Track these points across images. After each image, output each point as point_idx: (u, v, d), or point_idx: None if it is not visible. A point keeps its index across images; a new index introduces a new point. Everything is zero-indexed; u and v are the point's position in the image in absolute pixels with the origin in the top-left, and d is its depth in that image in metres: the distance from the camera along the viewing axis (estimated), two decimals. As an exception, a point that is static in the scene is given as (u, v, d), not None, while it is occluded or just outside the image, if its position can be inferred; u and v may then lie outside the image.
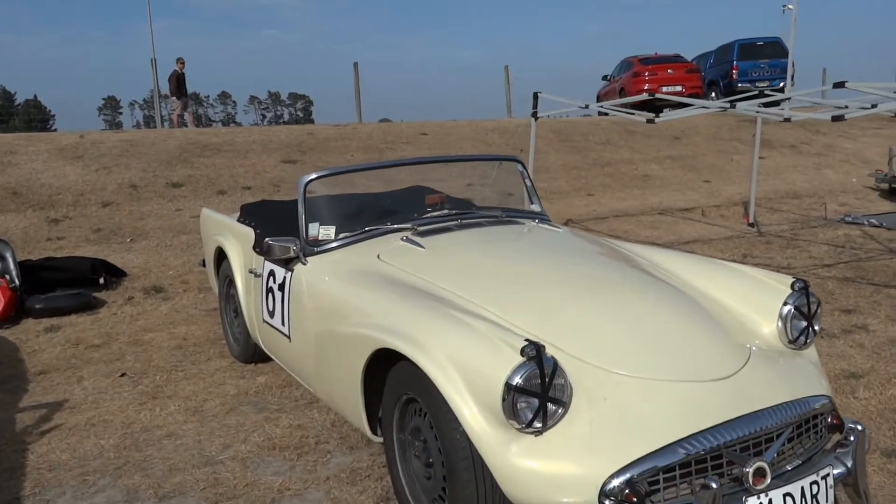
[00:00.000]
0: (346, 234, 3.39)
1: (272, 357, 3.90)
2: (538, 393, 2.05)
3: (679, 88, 17.33)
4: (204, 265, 5.25)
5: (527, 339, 2.10)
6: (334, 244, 3.34)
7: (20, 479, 3.11)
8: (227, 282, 4.59)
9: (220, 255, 4.62)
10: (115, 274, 6.44)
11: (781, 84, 19.03)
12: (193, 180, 9.43)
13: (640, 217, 9.34)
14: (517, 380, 2.04)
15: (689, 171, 12.13)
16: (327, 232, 3.44)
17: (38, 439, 3.51)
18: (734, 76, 19.24)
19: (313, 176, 3.52)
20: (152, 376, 4.31)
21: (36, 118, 54.55)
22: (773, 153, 13.30)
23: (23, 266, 5.96)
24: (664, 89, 16.50)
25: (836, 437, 2.40)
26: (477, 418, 2.12)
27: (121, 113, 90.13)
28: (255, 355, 4.34)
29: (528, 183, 3.98)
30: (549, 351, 2.13)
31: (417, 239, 3.22)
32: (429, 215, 3.63)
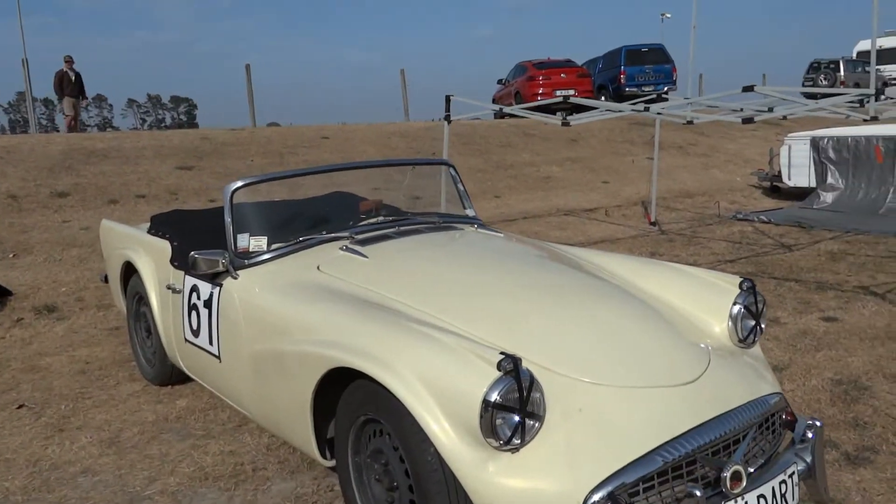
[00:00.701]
0: (280, 244, 3.19)
1: (196, 379, 3.63)
2: (517, 408, 1.97)
3: (572, 92, 17.81)
4: (106, 281, 4.85)
5: (502, 353, 2.02)
6: (267, 255, 3.13)
7: None
8: (137, 299, 4.25)
9: (128, 270, 4.28)
10: (-2, 293, 5.85)
11: (666, 89, 20.03)
12: (80, 189, 8.77)
13: (548, 218, 9.50)
14: (495, 396, 1.95)
15: (589, 172, 12.48)
16: (258, 243, 3.22)
17: (-75, 486, 3.10)
18: (622, 81, 20.06)
19: (240, 184, 3.29)
20: (56, 406, 3.92)
21: None
22: (663, 154, 13.88)
23: None
24: (558, 93, 16.92)
25: (789, 433, 2.46)
26: (451, 438, 2.01)
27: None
28: (171, 377, 4.04)
29: (461, 187, 3.90)
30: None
31: (358, 248, 3.07)
32: (364, 222, 3.49)
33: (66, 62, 14.24)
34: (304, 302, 2.73)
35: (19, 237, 7.29)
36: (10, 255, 6.90)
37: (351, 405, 2.42)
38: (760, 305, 2.73)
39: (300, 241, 3.19)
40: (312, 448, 2.60)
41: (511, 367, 1.97)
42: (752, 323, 2.70)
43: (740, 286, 2.74)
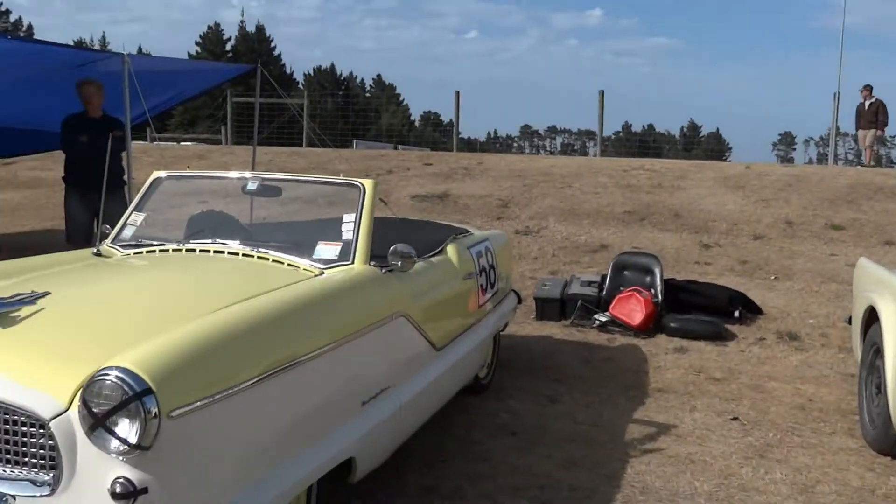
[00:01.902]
0: None
1: None
2: None
3: None
4: (849, 322, 4.56)
5: None
6: None
7: (614, 490, 3.18)
8: (874, 349, 3.84)
9: (871, 316, 3.90)
10: (750, 310, 6.21)
11: None
12: (857, 225, 8.46)
13: None
14: None
15: None
16: None
17: (639, 456, 3.56)
18: None
19: None
20: (765, 431, 3.92)
21: (714, 149, 58.90)
22: None
23: (667, 284, 6.27)
24: None
25: None
26: None
27: (794, 149, 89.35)
28: (893, 448, 3.52)
29: None
30: None
31: None
32: None
33: (861, 92, 13.82)
34: None
35: (784, 262, 7.55)
36: (772, 278, 7.21)
37: None
38: None
39: None
40: None
41: None
42: None
43: None
